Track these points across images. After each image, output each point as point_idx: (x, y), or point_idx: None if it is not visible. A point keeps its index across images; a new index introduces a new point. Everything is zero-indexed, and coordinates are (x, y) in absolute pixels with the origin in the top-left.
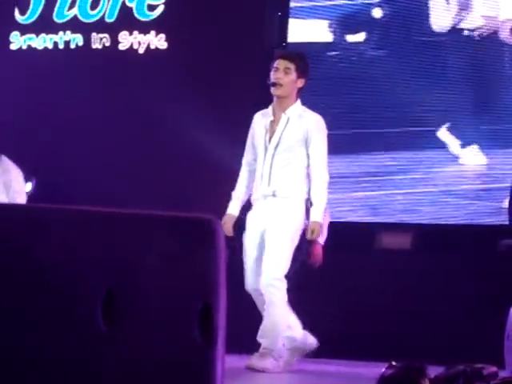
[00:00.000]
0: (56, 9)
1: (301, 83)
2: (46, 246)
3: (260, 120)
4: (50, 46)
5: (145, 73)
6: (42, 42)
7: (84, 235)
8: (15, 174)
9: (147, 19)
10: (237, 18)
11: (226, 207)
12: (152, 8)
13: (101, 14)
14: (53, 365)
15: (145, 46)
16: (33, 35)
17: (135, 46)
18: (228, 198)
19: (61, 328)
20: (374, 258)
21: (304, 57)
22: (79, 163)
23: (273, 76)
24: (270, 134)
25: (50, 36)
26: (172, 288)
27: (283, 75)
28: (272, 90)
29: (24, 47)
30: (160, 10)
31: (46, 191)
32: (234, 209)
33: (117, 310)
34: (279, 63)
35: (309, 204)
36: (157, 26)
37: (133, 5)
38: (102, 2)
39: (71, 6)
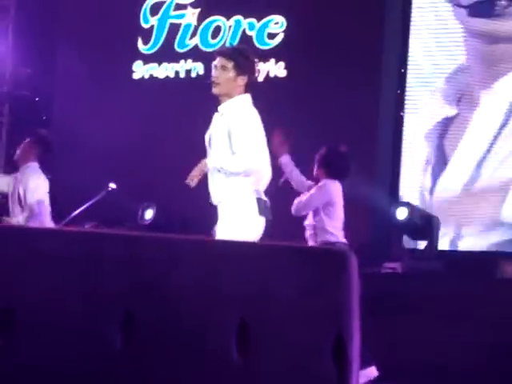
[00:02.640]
0: (178, 38)
1: (242, 80)
2: (179, 277)
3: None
4: (172, 75)
5: (264, 100)
6: (163, 70)
7: (217, 265)
8: (35, 178)
9: (267, 47)
10: (355, 46)
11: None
12: (272, 36)
13: (222, 43)
14: None
15: (264, 73)
16: (155, 64)
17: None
18: None
19: (194, 357)
20: None
21: (244, 52)
22: (198, 191)
23: (212, 74)
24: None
25: (172, 65)
26: (305, 319)
27: (220, 73)
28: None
29: (146, 76)
30: (280, 38)
31: (167, 217)
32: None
33: (250, 341)
34: (217, 61)
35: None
36: (276, 54)
37: (253, 33)
38: (222, 31)
39: (192, 35)
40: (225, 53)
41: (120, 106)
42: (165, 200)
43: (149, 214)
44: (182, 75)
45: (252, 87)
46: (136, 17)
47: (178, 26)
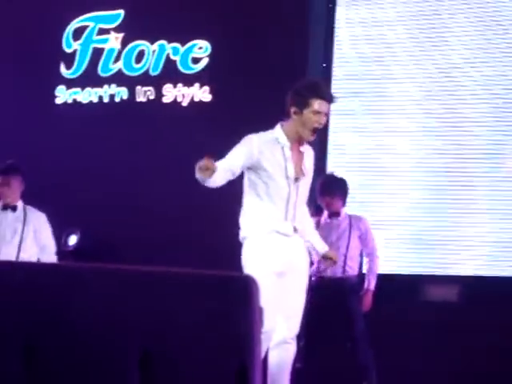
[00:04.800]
0: (101, 63)
1: None
2: (82, 305)
3: (268, 145)
4: (95, 100)
5: (189, 125)
6: (87, 95)
7: (121, 294)
8: (43, 220)
9: (191, 72)
10: (280, 68)
11: None
12: (196, 61)
13: (145, 68)
14: None
15: (189, 98)
16: (78, 89)
17: (179, 99)
18: None
19: None
20: None
21: None
22: (124, 215)
23: (320, 120)
24: (293, 165)
25: (96, 90)
26: (209, 348)
27: (325, 120)
28: (311, 135)
29: (69, 101)
30: (204, 62)
31: (91, 243)
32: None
33: (153, 373)
34: (327, 108)
35: None
36: (201, 78)
37: (177, 58)
38: (146, 56)
39: (116, 60)
40: (332, 100)
41: (42, 130)
42: (91, 226)
43: (72, 239)
44: (106, 100)
45: (176, 111)
46: (58, 41)
47: (101, 50)
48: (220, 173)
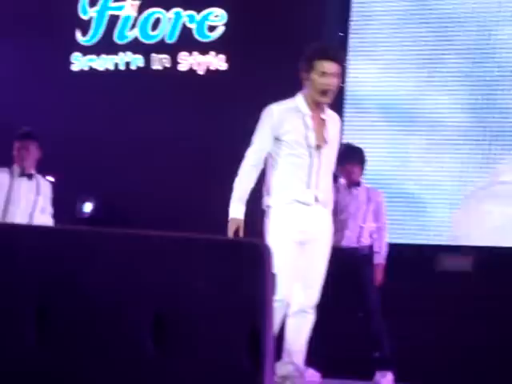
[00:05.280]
0: (117, 30)
1: None
2: (96, 270)
3: (288, 114)
4: (111, 67)
5: (204, 93)
6: (103, 63)
7: (133, 259)
8: (48, 187)
9: (207, 40)
10: (296, 39)
11: None
12: (212, 29)
13: (161, 35)
14: None
15: (204, 66)
16: (94, 56)
17: (195, 67)
18: None
19: (110, 350)
20: None
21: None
22: (139, 184)
23: (326, 82)
24: (315, 134)
25: (111, 57)
26: (221, 312)
27: (334, 81)
28: (322, 97)
29: (85, 68)
30: (220, 31)
31: (106, 211)
32: (242, 212)
33: (166, 334)
34: (334, 67)
35: None
36: (217, 47)
37: (193, 26)
38: (162, 23)
39: (132, 27)
40: (338, 58)
41: (58, 97)
42: (105, 194)
43: (88, 207)
44: (122, 67)
45: (191, 80)
46: (74, 8)
47: (117, 17)
48: (258, 167)
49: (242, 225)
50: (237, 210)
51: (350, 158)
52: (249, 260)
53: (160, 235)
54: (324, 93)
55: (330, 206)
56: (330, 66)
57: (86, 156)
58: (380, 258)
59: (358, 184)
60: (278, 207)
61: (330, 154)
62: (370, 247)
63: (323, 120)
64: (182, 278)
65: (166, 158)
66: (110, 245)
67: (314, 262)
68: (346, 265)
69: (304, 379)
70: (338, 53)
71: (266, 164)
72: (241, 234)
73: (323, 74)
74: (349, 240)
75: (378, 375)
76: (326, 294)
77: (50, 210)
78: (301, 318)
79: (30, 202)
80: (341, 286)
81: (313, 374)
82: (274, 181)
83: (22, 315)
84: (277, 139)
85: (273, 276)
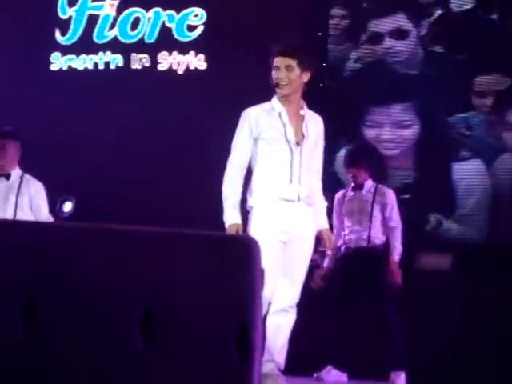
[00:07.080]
0: (96, 29)
1: (306, 77)
2: (83, 265)
3: (264, 114)
4: (90, 67)
5: (184, 93)
6: (82, 62)
7: (122, 254)
8: (38, 187)
9: (187, 40)
10: (275, 39)
11: None
12: (192, 28)
13: (141, 35)
14: (91, 381)
15: (184, 66)
16: (73, 56)
17: (174, 67)
18: None
19: (98, 345)
20: None
21: (305, 49)
22: (118, 181)
23: (275, 76)
24: (293, 129)
25: (91, 56)
26: (209, 307)
27: (285, 73)
28: (277, 90)
29: (64, 68)
30: (199, 30)
31: (86, 210)
32: (238, 217)
33: (154, 329)
34: (279, 61)
35: None
36: (196, 46)
37: (172, 25)
38: (141, 23)
39: (111, 27)
40: (291, 53)
41: (37, 96)
42: (85, 193)
43: (67, 206)
44: (101, 67)
45: (171, 79)
46: (53, 7)
47: (96, 17)
48: (243, 171)
49: (241, 228)
50: (233, 217)
51: (355, 162)
52: (238, 255)
53: (149, 231)
54: (276, 86)
55: (317, 205)
56: (278, 60)
57: (65, 155)
58: (394, 258)
59: (361, 187)
60: (261, 207)
61: (311, 150)
62: (383, 247)
63: (302, 116)
64: (171, 273)
65: (146, 156)
66: (98, 240)
67: (296, 261)
68: (359, 264)
69: (282, 378)
70: (288, 47)
71: (248, 167)
72: None
73: (274, 68)
74: (358, 242)
75: (393, 375)
76: (343, 293)
77: (44, 209)
78: (281, 317)
79: (12, 202)
80: (355, 284)
81: (337, 374)
82: (256, 180)
83: (9, 311)
84: (256, 139)
85: (262, 271)
